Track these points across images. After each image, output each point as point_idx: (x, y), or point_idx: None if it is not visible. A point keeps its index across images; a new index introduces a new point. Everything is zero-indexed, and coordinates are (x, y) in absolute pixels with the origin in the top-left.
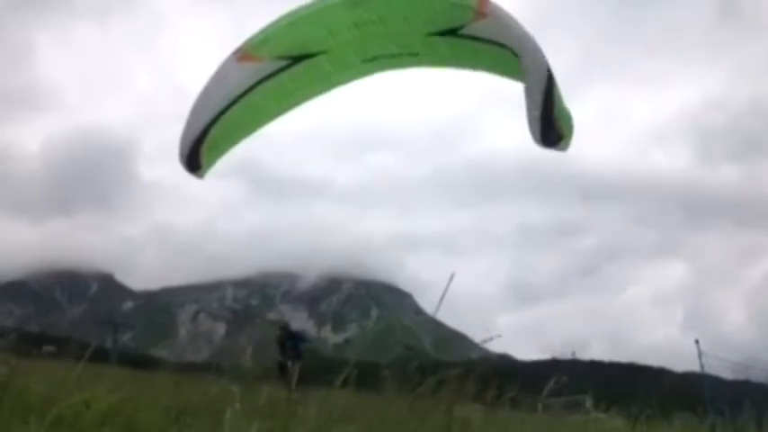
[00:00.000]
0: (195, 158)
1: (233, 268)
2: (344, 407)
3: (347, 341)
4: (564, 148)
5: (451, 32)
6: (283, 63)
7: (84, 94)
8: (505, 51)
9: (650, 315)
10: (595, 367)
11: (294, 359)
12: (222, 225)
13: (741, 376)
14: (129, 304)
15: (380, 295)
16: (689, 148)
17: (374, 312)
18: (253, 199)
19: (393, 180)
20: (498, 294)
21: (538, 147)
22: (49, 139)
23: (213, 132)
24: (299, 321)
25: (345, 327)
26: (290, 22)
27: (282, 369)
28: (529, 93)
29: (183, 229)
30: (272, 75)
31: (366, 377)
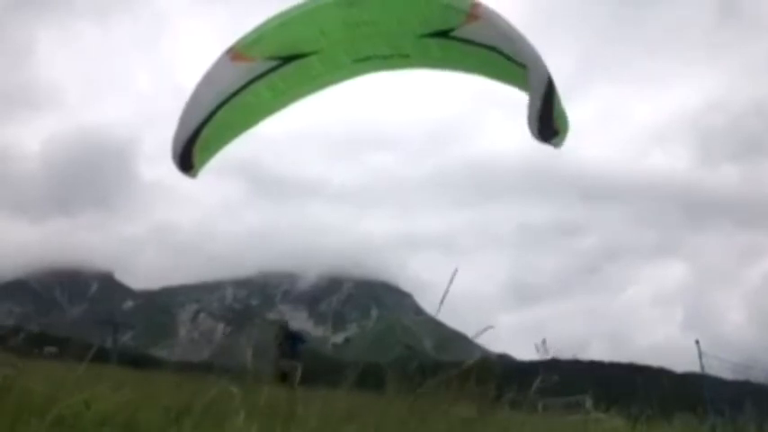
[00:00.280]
0: (188, 158)
1: (233, 268)
2: (345, 407)
3: (347, 341)
4: (558, 145)
5: (443, 34)
6: (275, 63)
7: (85, 93)
8: (497, 55)
9: (650, 315)
10: (595, 367)
11: (291, 360)
12: (222, 225)
13: (741, 377)
14: (129, 304)
15: (380, 295)
16: (689, 149)
17: (374, 312)
18: (253, 199)
19: (393, 180)
20: (498, 294)
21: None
22: (49, 138)
23: (205, 132)
24: (299, 321)
25: (345, 327)
26: (282, 22)
27: (283, 375)
28: (530, 94)
29: (183, 229)
30: (264, 74)
31: (366, 377)
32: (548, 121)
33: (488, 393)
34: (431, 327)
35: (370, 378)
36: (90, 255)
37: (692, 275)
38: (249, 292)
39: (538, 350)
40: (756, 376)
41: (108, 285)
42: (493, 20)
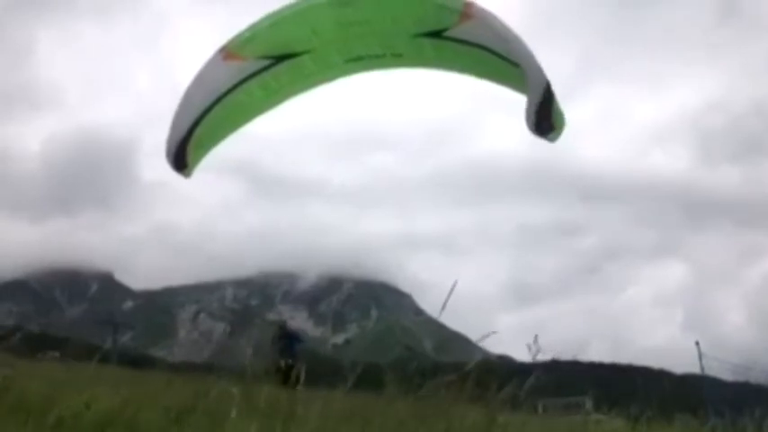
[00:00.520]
0: (182, 157)
1: (233, 268)
2: (345, 407)
3: (347, 341)
4: (553, 140)
5: (437, 34)
6: (267, 62)
7: (85, 93)
8: (490, 54)
9: (650, 316)
10: (595, 368)
11: (289, 360)
12: (222, 225)
13: (741, 378)
14: (129, 304)
15: (380, 295)
16: (689, 149)
17: (374, 313)
18: (253, 199)
19: (393, 180)
20: (498, 294)
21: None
22: (49, 138)
23: (199, 131)
24: (299, 321)
25: (345, 327)
26: (275, 22)
27: (285, 376)
28: (527, 95)
29: (184, 229)
30: (257, 73)
31: (366, 378)
32: (545, 121)
33: (490, 396)
34: (431, 327)
35: (370, 379)
36: (90, 255)
37: (692, 276)
38: (249, 293)
39: (530, 349)
40: (756, 377)
41: (108, 285)
42: (487, 20)
